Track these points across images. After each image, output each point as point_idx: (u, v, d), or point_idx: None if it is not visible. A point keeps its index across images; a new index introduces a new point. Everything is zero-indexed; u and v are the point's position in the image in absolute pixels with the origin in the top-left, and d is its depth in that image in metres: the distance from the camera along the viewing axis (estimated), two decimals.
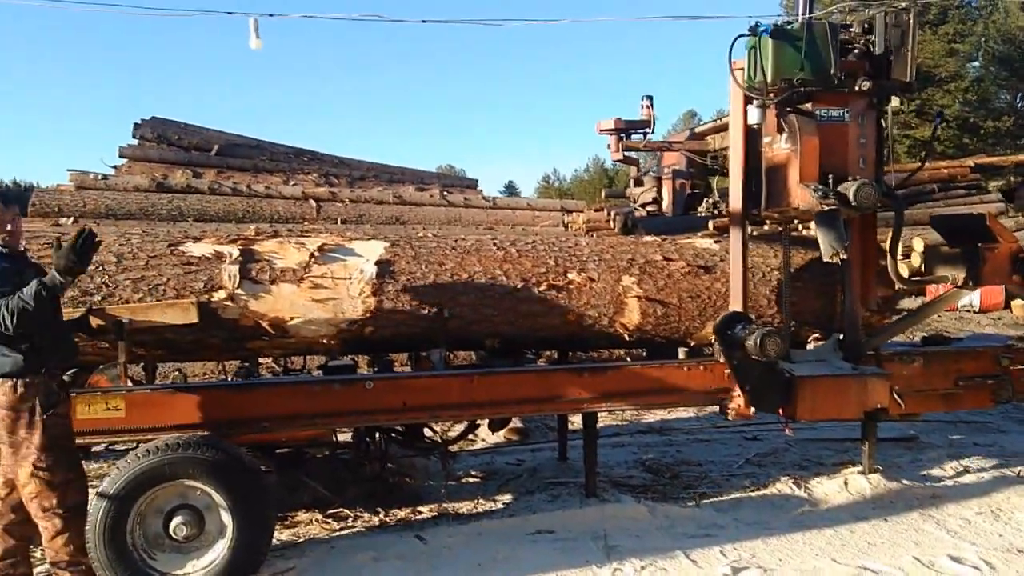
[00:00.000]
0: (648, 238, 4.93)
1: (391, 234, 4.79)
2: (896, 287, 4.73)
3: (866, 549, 4.04)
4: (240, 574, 3.64)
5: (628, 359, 5.41)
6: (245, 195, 9.71)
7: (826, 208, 4.04)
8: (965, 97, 28.01)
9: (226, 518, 3.65)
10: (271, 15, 5.37)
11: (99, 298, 4.05)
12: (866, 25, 4.40)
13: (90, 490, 3.72)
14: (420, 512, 4.71)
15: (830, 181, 4.13)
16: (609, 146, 4.58)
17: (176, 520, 3.62)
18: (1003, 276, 4.51)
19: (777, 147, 4.22)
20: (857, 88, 4.23)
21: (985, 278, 4.49)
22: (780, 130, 4.19)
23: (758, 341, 4.08)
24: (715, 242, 4.90)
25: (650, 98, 4.57)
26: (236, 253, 4.24)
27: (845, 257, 4.20)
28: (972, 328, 10.82)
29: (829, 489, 4.88)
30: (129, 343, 3.97)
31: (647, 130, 4.57)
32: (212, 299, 4.14)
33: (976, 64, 30.22)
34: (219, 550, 3.64)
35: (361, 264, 4.36)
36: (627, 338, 4.78)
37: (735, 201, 4.40)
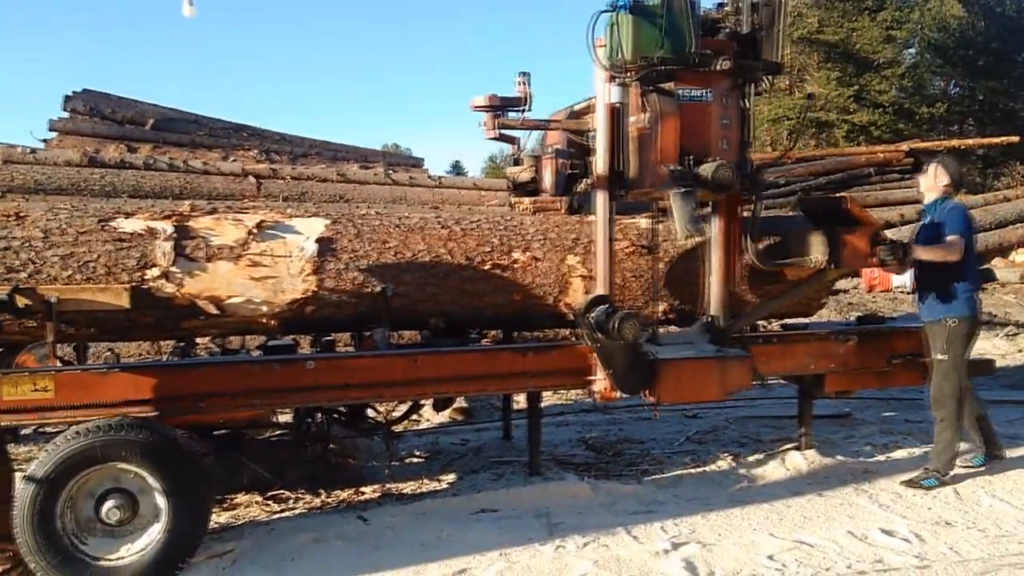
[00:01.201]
0: (591, 217, 4.92)
1: (333, 212, 4.70)
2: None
3: (802, 523, 4.15)
4: (176, 558, 3.55)
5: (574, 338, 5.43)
6: (182, 171, 9.45)
7: (682, 189, 4.01)
8: (901, 83, 28.79)
9: (161, 501, 3.55)
10: None
11: (26, 275, 3.88)
12: (739, 4, 4.35)
13: (17, 474, 3.60)
14: (363, 493, 4.67)
15: (690, 161, 4.08)
16: (484, 124, 4.43)
17: (108, 504, 3.51)
18: (863, 258, 4.55)
19: (640, 126, 4.14)
20: (718, 67, 4.16)
21: (846, 260, 4.50)
22: (643, 109, 4.11)
23: (616, 324, 4.06)
24: (658, 222, 4.93)
25: (526, 75, 4.44)
26: (170, 230, 4.10)
27: (699, 238, 4.20)
28: (905, 308, 11.17)
29: (767, 465, 4.99)
30: (58, 323, 3.82)
31: (523, 108, 4.44)
32: (145, 277, 4.01)
33: (912, 51, 31.07)
34: (154, 534, 3.55)
35: (301, 242, 4.27)
36: (572, 317, 4.79)
37: (601, 182, 4.30)
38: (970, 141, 24.52)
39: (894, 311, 10.32)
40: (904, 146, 18.07)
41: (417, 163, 13.69)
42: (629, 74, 4.06)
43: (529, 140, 5.01)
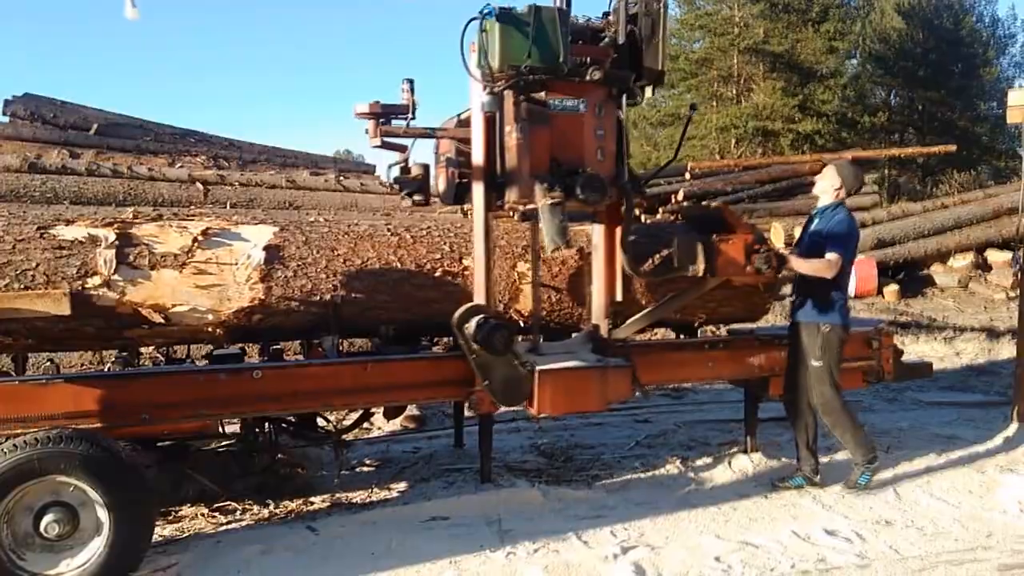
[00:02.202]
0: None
1: (281, 219, 4.65)
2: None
3: (747, 525, 4.23)
4: (118, 572, 3.47)
5: None
6: (126, 177, 9.25)
7: (551, 201, 3.94)
8: (844, 93, 29.63)
9: (102, 514, 3.46)
10: None
11: None
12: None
13: None
14: (312, 503, 4.62)
15: (562, 172, 4.05)
16: (367, 131, 4.41)
17: (47, 518, 3.41)
18: (737, 267, 4.47)
19: (513, 136, 4.06)
20: (588, 78, 4.10)
21: (720, 269, 4.45)
22: (516, 119, 4.05)
23: (485, 335, 4.05)
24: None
25: (411, 82, 4.40)
26: (112, 237, 4.02)
27: (564, 250, 4.18)
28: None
29: (714, 469, 5.08)
30: None
31: (408, 115, 4.41)
32: (86, 285, 3.92)
33: (854, 62, 32.00)
34: (95, 548, 3.46)
35: (248, 249, 4.22)
36: (523, 324, 4.82)
37: (477, 193, 4.25)
38: (910, 150, 25.34)
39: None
40: (847, 154, 18.53)
41: (369, 170, 13.60)
42: (499, 83, 4.02)
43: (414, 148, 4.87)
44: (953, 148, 20.51)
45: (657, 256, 4.72)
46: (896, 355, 5.45)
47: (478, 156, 4.21)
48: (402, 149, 4.61)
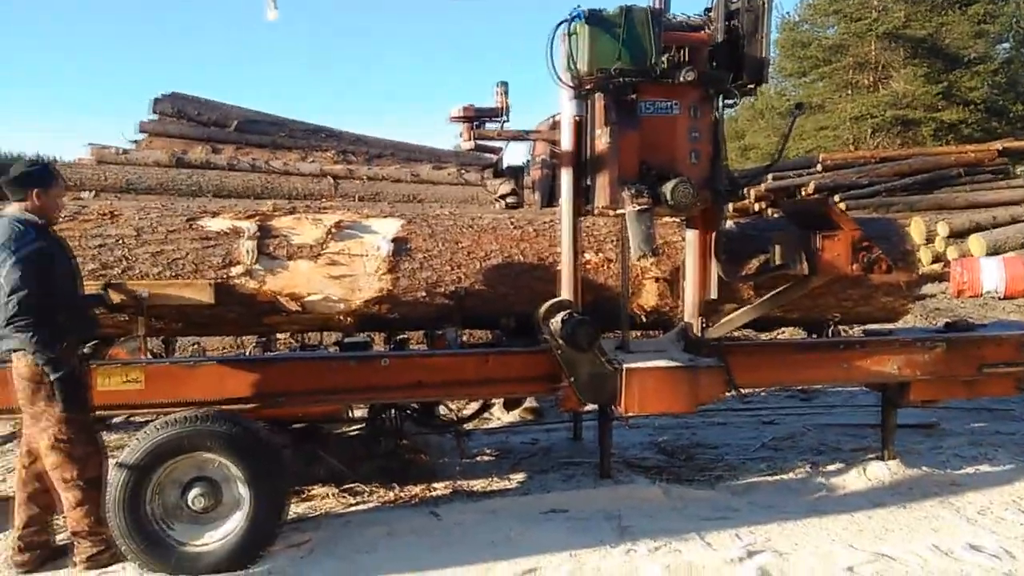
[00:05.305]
0: (667, 219, 4.86)
1: (408, 212, 4.77)
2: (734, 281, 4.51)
3: (883, 535, 4.01)
4: (256, 545, 3.67)
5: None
6: (263, 171, 9.72)
7: (638, 207, 3.85)
8: (993, 80, 27.48)
9: (243, 490, 3.68)
10: None
11: (118, 271, 4.08)
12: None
13: (110, 461, 3.78)
14: (434, 489, 4.72)
15: (653, 177, 3.94)
16: (461, 135, 4.39)
17: (193, 491, 3.65)
18: (842, 265, 4.24)
19: (602, 140, 3.98)
20: (682, 79, 3.96)
21: (823, 268, 4.22)
22: (605, 123, 3.96)
23: (570, 331, 3.98)
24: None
25: (504, 84, 4.37)
26: (254, 228, 4.24)
27: (653, 259, 4.05)
28: (997, 315, 10.67)
29: (846, 475, 4.83)
30: (148, 317, 4.00)
31: (501, 118, 4.36)
32: (229, 274, 4.16)
33: (1006, 45, 29.60)
34: (236, 521, 3.67)
35: (377, 241, 4.36)
36: (643, 319, 4.76)
37: (565, 198, 4.21)
38: None
39: (984, 317, 9.86)
40: (996, 145, 17.26)
41: (489, 164, 13.74)
42: (587, 86, 3.94)
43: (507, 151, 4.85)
44: None
45: (754, 260, 4.56)
46: None
47: (566, 160, 4.21)
48: (496, 152, 4.61)
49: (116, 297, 3.96)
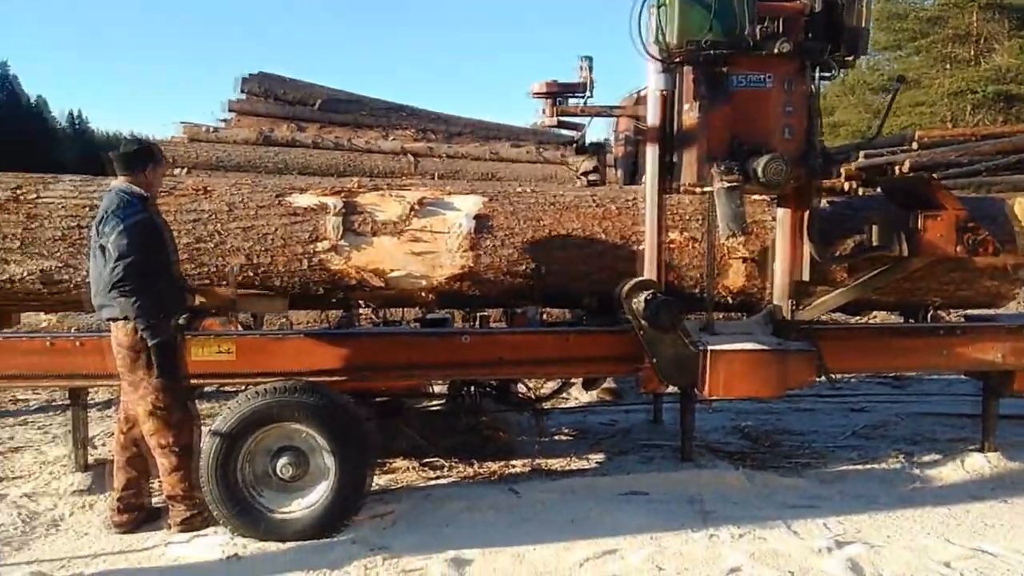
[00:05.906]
0: (755, 197, 4.71)
1: (489, 189, 4.76)
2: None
3: (982, 531, 3.83)
4: (341, 514, 3.75)
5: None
6: (346, 149, 9.87)
7: (727, 184, 3.70)
8: None
9: (329, 460, 3.76)
10: None
11: (211, 245, 4.20)
12: None
13: (203, 428, 3.92)
14: (513, 466, 4.74)
15: (745, 153, 3.78)
16: (543, 111, 4.25)
17: (282, 460, 3.75)
18: (945, 246, 4.04)
19: (692, 115, 3.85)
20: (776, 51, 3.78)
21: (924, 249, 4.03)
22: (695, 97, 3.82)
23: (653, 311, 3.87)
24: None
25: (589, 59, 4.20)
26: (340, 205, 4.30)
27: (742, 238, 3.86)
28: None
29: (943, 466, 4.63)
30: (236, 288, 4.10)
31: (585, 94, 4.21)
32: (316, 249, 4.23)
33: None
34: (322, 491, 3.76)
35: (459, 218, 4.36)
36: (730, 301, 4.63)
37: (650, 175, 4.09)
38: None
39: None
40: None
41: (568, 141, 13.61)
42: (675, 60, 3.80)
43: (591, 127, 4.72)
44: None
45: (848, 241, 4.37)
46: None
47: (651, 136, 4.10)
48: (579, 128, 4.53)
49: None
